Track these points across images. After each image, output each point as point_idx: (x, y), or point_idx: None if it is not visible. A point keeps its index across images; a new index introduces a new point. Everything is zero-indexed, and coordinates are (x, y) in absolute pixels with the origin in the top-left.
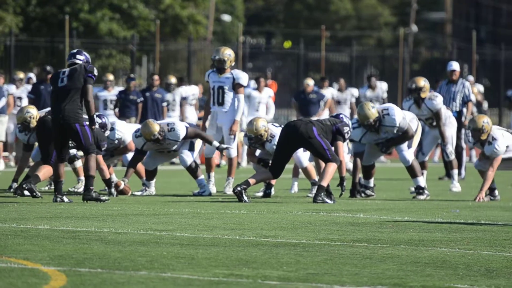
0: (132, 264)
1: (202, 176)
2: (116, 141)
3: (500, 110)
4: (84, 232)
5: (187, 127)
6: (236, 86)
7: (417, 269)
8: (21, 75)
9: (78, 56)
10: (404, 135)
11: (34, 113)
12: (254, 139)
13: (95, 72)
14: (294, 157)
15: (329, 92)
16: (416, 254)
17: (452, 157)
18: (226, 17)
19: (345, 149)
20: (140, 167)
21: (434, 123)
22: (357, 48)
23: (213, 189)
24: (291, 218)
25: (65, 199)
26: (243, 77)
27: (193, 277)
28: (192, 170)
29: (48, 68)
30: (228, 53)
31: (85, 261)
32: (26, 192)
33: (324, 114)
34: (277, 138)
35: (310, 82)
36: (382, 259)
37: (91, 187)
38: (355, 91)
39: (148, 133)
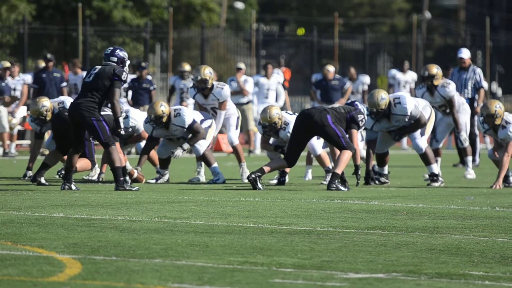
0: (146, 252)
1: (215, 164)
2: (130, 129)
3: None
4: (98, 220)
5: (194, 120)
6: (220, 105)
7: (431, 256)
8: (42, 63)
9: (111, 58)
10: (417, 123)
11: (49, 106)
12: (268, 127)
13: (123, 76)
14: (307, 145)
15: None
16: (431, 241)
17: (466, 144)
18: (239, 5)
19: (359, 137)
20: (154, 154)
21: (448, 110)
22: (371, 35)
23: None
24: (306, 206)
25: (73, 186)
26: (224, 93)
27: (207, 264)
28: (206, 159)
29: (49, 56)
30: (208, 72)
31: (100, 249)
32: (42, 180)
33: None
34: (291, 125)
35: (330, 69)
36: (397, 246)
37: (121, 178)
38: (366, 79)
39: (151, 112)
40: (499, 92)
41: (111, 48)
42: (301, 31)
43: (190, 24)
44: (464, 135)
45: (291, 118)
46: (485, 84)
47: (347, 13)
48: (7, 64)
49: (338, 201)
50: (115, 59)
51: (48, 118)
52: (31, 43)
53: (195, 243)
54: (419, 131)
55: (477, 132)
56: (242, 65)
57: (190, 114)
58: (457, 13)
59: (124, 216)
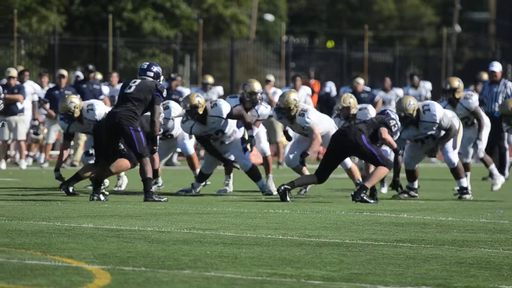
0: (175, 263)
1: (262, 179)
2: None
3: None
4: (127, 230)
5: (232, 107)
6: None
7: (461, 269)
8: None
9: (148, 73)
10: (448, 133)
11: (77, 103)
12: (283, 110)
13: (164, 93)
14: None
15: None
16: (460, 255)
17: (482, 154)
18: (269, 17)
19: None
20: (195, 159)
21: (470, 123)
22: (400, 48)
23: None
24: (334, 218)
25: (102, 197)
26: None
27: (236, 276)
28: (253, 173)
29: (91, 67)
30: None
31: (129, 260)
32: (71, 190)
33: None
34: (309, 113)
35: (360, 81)
36: (426, 260)
37: (150, 189)
38: (399, 91)
39: (187, 102)
40: None
41: (147, 63)
42: (330, 44)
43: (219, 36)
44: (480, 145)
45: (311, 108)
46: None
47: (376, 26)
48: (13, 72)
49: (367, 214)
50: (151, 74)
51: (76, 115)
52: (61, 54)
53: (224, 254)
54: (451, 144)
55: (506, 145)
56: (271, 77)
57: (226, 103)
58: (487, 26)
59: (153, 227)
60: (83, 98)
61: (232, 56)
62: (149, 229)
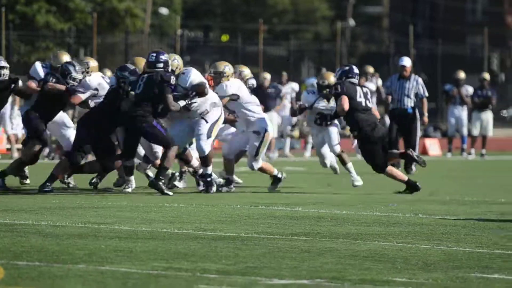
0: (70, 257)
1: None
2: None
3: (437, 104)
4: (21, 225)
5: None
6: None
7: (355, 262)
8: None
9: (157, 65)
10: None
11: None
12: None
13: (172, 80)
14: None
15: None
16: (355, 248)
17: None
18: (164, 10)
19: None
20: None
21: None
22: (295, 42)
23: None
24: (230, 212)
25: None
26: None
27: (131, 270)
28: (206, 160)
29: None
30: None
31: (23, 254)
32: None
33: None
34: None
35: (267, 76)
36: (321, 253)
37: (162, 177)
38: (295, 86)
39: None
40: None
41: (154, 54)
42: (225, 38)
43: (114, 30)
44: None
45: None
46: (427, 94)
47: (271, 20)
48: None
49: (262, 207)
50: (160, 65)
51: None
52: None
53: (119, 248)
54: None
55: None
56: None
57: (196, 73)
58: (380, 20)
59: (47, 221)
60: None
61: (126, 49)
62: (43, 223)
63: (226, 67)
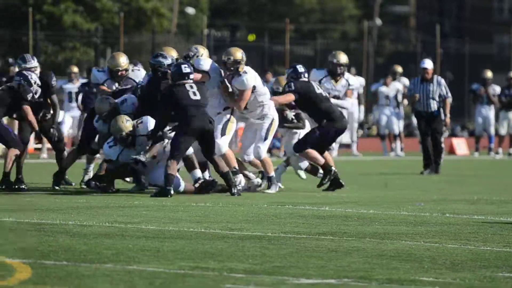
0: (97, 256)
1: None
2: None
3: (464, 104)
4: (49, 224)
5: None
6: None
7: (382, 262)
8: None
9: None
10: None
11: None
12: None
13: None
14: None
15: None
16: (382, 247)
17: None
18: (190, 10)
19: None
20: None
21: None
22: (322, 41)
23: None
24: (257, 211)
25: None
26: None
27: (158, 269)
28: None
29: (11, 60)
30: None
31: (50, 254)
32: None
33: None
34: None
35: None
36: (348, 252)
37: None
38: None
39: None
40: (449, 99)
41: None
42: (252, 37)
43: (141, 29)
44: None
45: None
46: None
47: (298, 19)
48: None
49: (289, 207)
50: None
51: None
52: None
53: (146, 248)
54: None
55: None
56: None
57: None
58: (407, 20)
59: (74, 220)
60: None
61: (153, 49)
62: (71, 223)
63: (243, 55)
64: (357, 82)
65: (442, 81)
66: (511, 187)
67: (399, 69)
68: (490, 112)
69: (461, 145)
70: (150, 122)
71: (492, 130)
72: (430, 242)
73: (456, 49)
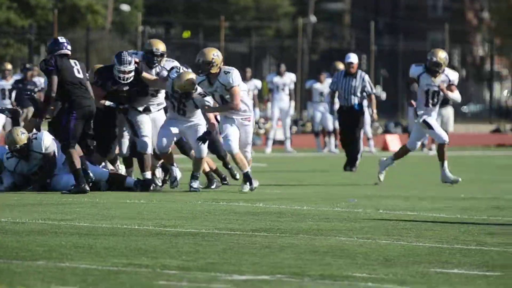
0: (29, 254)
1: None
2: None
3: (397, 100)
4: None
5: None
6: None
7: (315, 258)
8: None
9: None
10: None
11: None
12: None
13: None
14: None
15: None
16: (315, 243)
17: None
18: (125, 7)
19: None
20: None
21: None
22: (256, 38)
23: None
24: (191, 208)
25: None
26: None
27: (91, 266)
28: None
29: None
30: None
31: None
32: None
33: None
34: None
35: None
36: (281, 249)
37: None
38: (258, 83)
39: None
40: (383, 95)
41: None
42: (187, 34)
43: (75, 26)
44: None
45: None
46: (374, 91)
47: (233, 17)
48: None
49: (223, 203)
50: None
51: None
52: None
53: (79, 245)
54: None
55: (370, 135)
56: None
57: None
58: (342, 17)
59: (7, 217)
60: None
61: (87, 46)
62: (3, 220)
63: (215, 55)
64: (289, 78)
65: (366, 76)
66: (444, 183)
67: (341, 66)
68: None
69: (394, 141)
70: (45, 139)
71: None
72: (363, 238)
73: (390, 46)
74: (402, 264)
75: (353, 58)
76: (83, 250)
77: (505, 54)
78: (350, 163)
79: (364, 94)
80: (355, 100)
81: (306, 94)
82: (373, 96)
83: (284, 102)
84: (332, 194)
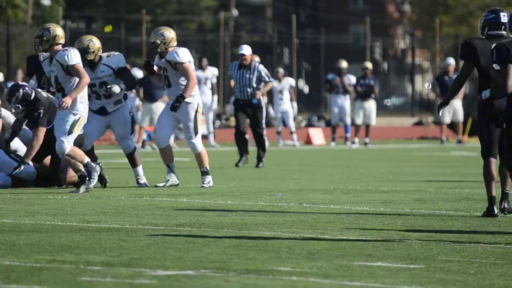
0: None
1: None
2: None
3: (320, 94)
4: None
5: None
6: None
7: (240, 252)
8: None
9: None
10: None
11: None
12: None
13: None
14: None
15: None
16: (239, 238)
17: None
18: (46, 1)
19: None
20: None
21: None
22: (178, 32)
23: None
24: (114, 203)
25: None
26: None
27: (14, 263)
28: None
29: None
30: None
31: None
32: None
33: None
34: None
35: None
36: (205, 243)
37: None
38: (215, 70)
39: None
40: (306, 89)
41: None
42: (108, 28)
43: None
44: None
45: None
46: (293, 81)
47: (154, 10)
48: None
49: (146, 199)
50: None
51: None
52: None
53: (1, 241)
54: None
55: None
56: None
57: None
58: (264, 10)
59: None
60: None
61: (8, 41)
62: None
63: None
64: (211, 73)
65: (261, 66)
66: (367, 176)
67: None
68: (345, 102)
69: (317, 135)
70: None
71: (348, 120)
72: (288, 232)
73: (312, 40)
74: (326, 258)
75: (245, 49)
76: (5, 247)
77: (426, 46)
78: (258, 159)
79: (262, 84)
80: (250, 93)
81: (229, 88)
82: (270, 84)
83: (206, 96)
84: (256, 188)
